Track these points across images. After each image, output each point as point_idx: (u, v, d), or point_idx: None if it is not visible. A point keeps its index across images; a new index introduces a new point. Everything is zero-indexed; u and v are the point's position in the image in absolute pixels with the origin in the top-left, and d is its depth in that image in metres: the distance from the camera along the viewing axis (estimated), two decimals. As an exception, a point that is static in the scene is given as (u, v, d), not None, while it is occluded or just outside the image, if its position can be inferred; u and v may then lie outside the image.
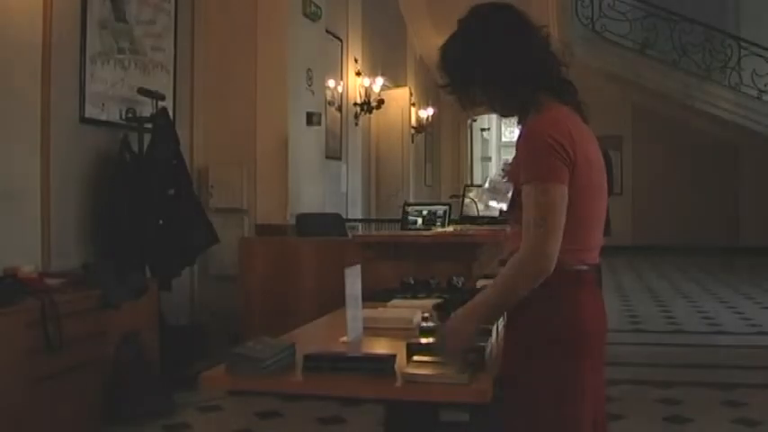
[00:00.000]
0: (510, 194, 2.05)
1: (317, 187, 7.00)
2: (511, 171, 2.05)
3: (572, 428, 1.95)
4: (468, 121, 16.73)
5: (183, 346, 5.07)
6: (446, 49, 2.08)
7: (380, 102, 9.77)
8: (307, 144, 6.68)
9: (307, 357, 2.11)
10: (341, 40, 8.91)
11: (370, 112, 9.80)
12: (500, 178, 1.98)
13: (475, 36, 2.02)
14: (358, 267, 2.54)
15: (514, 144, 2.04)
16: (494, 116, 19.27)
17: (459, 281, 3.51)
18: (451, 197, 10.52)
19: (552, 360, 1.93)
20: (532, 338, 1.96)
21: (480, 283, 3.26)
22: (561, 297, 1.95)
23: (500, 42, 2.00)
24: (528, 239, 1.89)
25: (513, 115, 2.11)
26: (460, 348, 2.01)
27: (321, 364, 2.09)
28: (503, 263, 2.12)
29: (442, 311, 2.22)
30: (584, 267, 1.98)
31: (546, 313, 1.94)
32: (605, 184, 2.07)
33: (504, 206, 2.09)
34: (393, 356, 2.10)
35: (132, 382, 4.26)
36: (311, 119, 6.64)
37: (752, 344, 6.18)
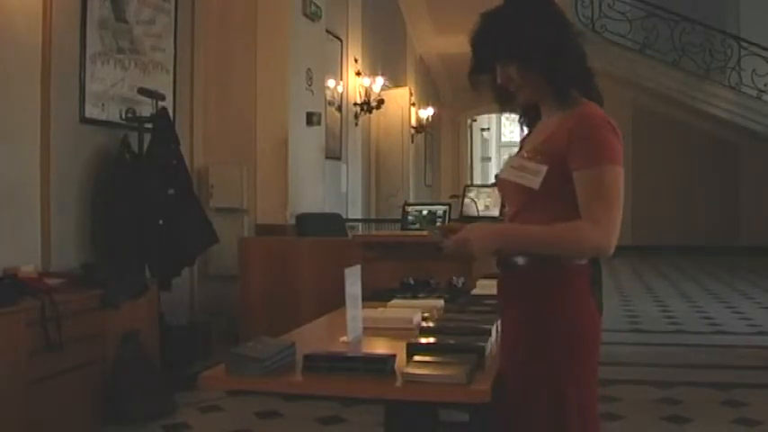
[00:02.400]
0: (542, 175, 1.97)
1: (317, 187, 7.00)
2: (550, 152, 1.97)
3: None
4: (468, 121, 16.73)
5: (183, 346, 5.07)
6: (498, 19, 2.02)
7: (380, 102, 9.77)
8: (307, 144, 6.68)
9: (306, 357, 2.12)
10: (341, 40, 8.91)
11: (370, 111, 9.80)
12: (526, 160, 1.88)
13: (529, 16, 1.99)
14: (358, 267, 2.54)
15: (556, 129, 1.99)
16: (493, 116, 19.31)
17: (459, 281, 3.52)
18: (451, 197, 10.52)
19: (573, 358, 1.95)
20: (546, 336, 1.96)
21: (480, 284, 3.27)
22: (577, 292, 1.98)
23: (559, 31, 2.00)
24: (598, 216, 1.89)
25: (531, 103, 2.09)
26: (469, 247, 1.97)
27: (321, 363, 2.09)
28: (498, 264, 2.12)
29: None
30: (585, 261, 2.01)
31: (564, 309, 1.96)
32: None
33: (532, 185, 2.01)
34: (393, 356, 2.10)
35: (132, 382, 4.25)
36: (311, 119, 6.64)
37: (751, 344, 6.18)
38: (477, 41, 2.04)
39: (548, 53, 1.97)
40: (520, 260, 2.00)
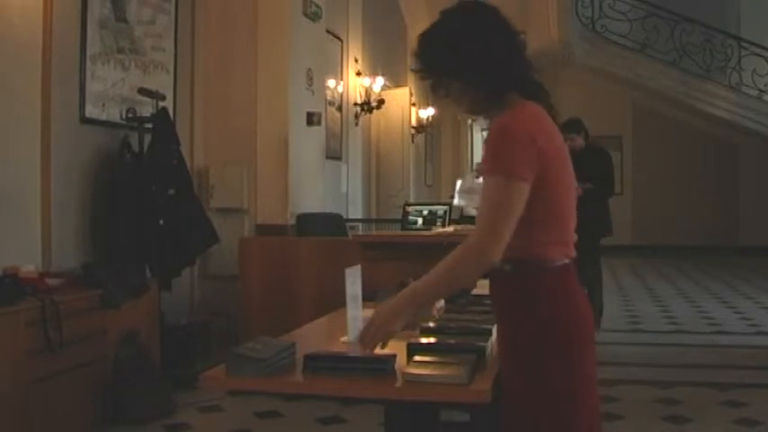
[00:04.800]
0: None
1: (318, 187, 7.00)
2: (481, 169, 2.05)
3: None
4: (469, 121, 16.73)
5: (183, 346, 5.07)
6: (427, 38, 2.07)
7: (381, 102, 9.76)
8: (307, 144, 6.68)
9: (307, 357, 2.12)
10: (341, 40, 8.91)
11: (371, 111, 9.79)
12: (473, 179, 1.90)
13: (460, 30, 2.02)
14: (358, 267, 2.54)
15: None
16: (494, 116, 19.32)
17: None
18: (452, 197, 10.51)
19: (563, 359, 1.95)
20: (539, 338, 1.96)
21: (481, 284, 3.26)
22: (564, 293, 1.99)
23: (484, 39, 2.00)
24: (479, 229, 1.91)
25: (479, 113, 2.12)
26: (379, 339, 2.00)
27: (321, 364, 2.09)
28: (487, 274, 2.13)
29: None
30: (567, 261, 2.01)
31: (551, 311, 1.96)
32: (572, 179, 2.11)
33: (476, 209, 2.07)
34: (393, 356, 2.10)
35: (132, 382, 4.26)
36: (311, 119, 6.64)
37: (751, 344, 6.19)
38: (416, 65, 2.11)
39: (457, 69, 2.01)
40: (507, 266, 2.00)
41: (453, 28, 2.03)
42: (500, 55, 2.00)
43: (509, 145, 1.91)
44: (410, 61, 12.75)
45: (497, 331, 2.14)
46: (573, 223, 2.06)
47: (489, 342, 2.25)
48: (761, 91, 12.32)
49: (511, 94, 2.02)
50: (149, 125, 5.01)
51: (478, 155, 18.25)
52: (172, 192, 4.96)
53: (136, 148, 4.98)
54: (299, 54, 6.48)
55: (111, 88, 5.08)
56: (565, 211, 2.02)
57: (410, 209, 5.15)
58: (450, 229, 4.80)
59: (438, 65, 2.05)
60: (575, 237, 2.08)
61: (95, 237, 4.85)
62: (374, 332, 1.98)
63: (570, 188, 2.05)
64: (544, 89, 2.09)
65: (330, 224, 6.81)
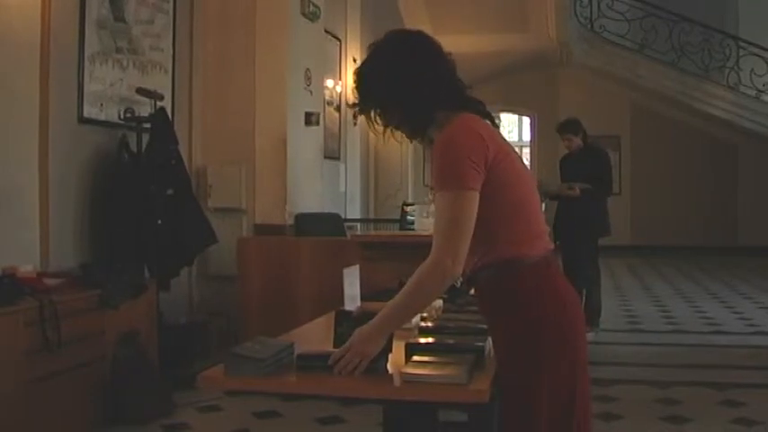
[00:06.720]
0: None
1: (316, 187, 7.00)
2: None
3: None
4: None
5: (182, 346, 5.07)
6: (361, 72, 2.14)
7: (379, 102, 9.73)
8: (305, 144, 6.68)
9: (299, 357, 2.12)
10: (340, 40, 8.91)
11: (369, 111, 9.78)
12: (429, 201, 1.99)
13: (389, 60, 2.09)
14: (356, 267, 2.55)
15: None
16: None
17: (457, 281, 3.51)
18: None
19: (563, 360, 1.98)
20: (531, 339, 1.98)
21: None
22: (550, 291, 2.02)
23: (412, 66, 2.07)
24: (437, 247, 1.95)
25: (419, 136, 2.18)
26: (354, 363, 2.01)
27: (314, 363, 2.09)
28: (469, 283, 2.18)
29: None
30: (545, 254, 2.05)
31: (539, 311, 1.98)
32: (529, 174, 2.17)
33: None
34: (384, 354, 2.08)
35: (131, 382, 4.25)
36: (310, 119, 6.63)
37: (751, 344, 6.19)
38: (354, 100, 2.20)
39: (391, 98, 2.08)
40: (485, 273, 2.05)
41: (383, 59, 2.11)
42: (430, 78, 2.06)
43: (452, 158, 1.97)
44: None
45: (490, 333, 2.16)
46: (539, 216, 2.11)
47: (488, 342, 2.25)
48: (759, 91, 12.32)
49: (446, 112, 2.07)
50: (147, 125, 5.00)
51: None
52: (170, 192, 4.95)
53: (134, 147, 4.98)
54: (297, 54, 6.48)
55: (110, 88, 5.08)
56: (525, 207, 2.06)
57: (408, 208, 5.15)
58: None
59: (372, 96, 2.12)
60: (547, 228, 2.13)
61: (94, 237, 4.85)
62: (350, 356, 2.01)
63: (527, 183, 2.09)
64: (479, 101, 2.14)
65: (328, 224, 6.81)
